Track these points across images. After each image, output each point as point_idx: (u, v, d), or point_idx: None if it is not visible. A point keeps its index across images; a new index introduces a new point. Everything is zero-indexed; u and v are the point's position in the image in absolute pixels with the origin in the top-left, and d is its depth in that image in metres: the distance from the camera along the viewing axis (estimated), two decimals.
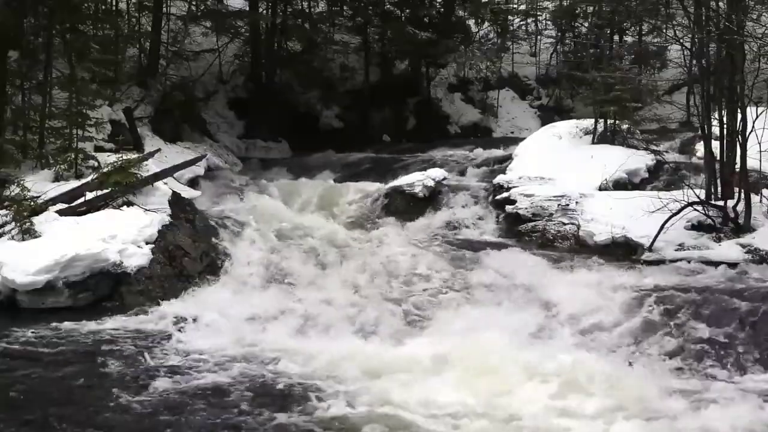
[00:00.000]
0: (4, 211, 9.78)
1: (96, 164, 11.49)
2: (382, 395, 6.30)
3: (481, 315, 8.28)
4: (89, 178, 11.02)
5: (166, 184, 11.68)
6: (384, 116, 21.90)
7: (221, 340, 7.54)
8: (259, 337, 7.60)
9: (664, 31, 20.21)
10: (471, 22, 24.33)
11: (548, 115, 21.94)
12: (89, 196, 10.50)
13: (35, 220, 9.62)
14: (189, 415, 5.96)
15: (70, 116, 12.17)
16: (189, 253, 10.03)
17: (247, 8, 20.96)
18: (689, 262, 9.60)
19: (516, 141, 16.44)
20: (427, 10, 22.87)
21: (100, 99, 13.43)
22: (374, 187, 13.77)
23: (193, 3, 19.98)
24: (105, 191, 10.53)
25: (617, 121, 14.31)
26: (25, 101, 12.87)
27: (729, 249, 9.69)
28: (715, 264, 9.42)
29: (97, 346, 7.47)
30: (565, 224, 11.19)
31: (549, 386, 6.43)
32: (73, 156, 11.67)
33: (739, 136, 10.32)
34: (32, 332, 7.76)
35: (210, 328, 7.94)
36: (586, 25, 22.36)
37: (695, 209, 10.26)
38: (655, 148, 13.96)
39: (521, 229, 11.56)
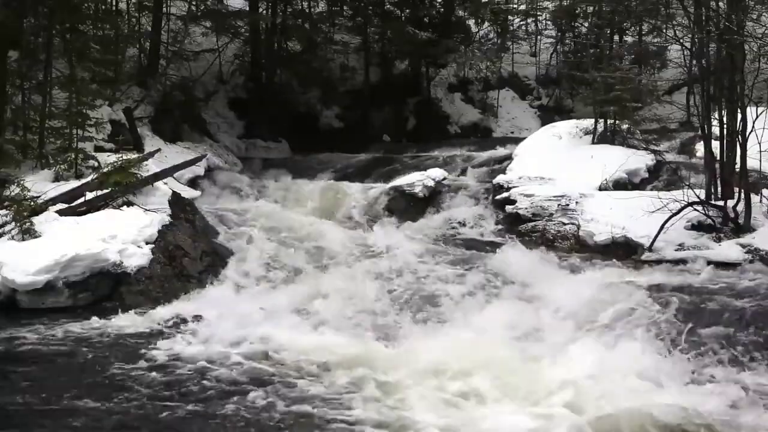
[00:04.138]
0: (4, 211, 9.78)
1: (96, 164, 11.50)
2: (380, 394, 6.30)
3: (481, 314, 8.27)
4: (89, 178, 11.03)
5: (166, 184, 11.69)
6: (384, 116, 21.89)
7: (221, 340, 7.53)
8: (260, 336, 7.59)
9: (664, 31, 20.20)
10: (471, 22, 24.33)
11: (548, 115, 21.94)
12: (89, 196, 10.50)
13: (35, 220, 9.62)
14: (189, 415, 5.96)
15: (70, 116, 12.18)
16: (189, 253, 10.03)
17: (247, 8, 20.96)
18: (689, 262, 9.60)
19: (516, 141, 16.44)
20: (427, 10, 22.88)
21: (100, 99, 13.44)
22: (374, 187, 13.77)
23: (193, 3, 19.95)
24: (105, 191, 10.53)
25: (617, 121, 14.31)
26: (25, 101, 12.87)
27: (729, 249, 9.69)
28: (715, 264, 9.43)
29: (97, 346, 7.46)
30: (565, 224, 11.19)
31: (547, 385, 6.42)
32: (73, 156, 11.67)
33: (739, 136, 10.32)
34: (32, 332, 7.75)
35: (210, 328, 7.93)
36: (586, 25, 22.36)
37: (695, 209, 10.27)
38: (655, 148, 13.96)
39: (521, 229, 11.56)
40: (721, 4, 10.87)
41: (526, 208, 11.77)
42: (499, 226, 12.09)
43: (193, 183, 13.93)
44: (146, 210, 10.36)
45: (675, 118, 18.09)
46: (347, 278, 9.56)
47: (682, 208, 10.18)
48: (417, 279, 9.52)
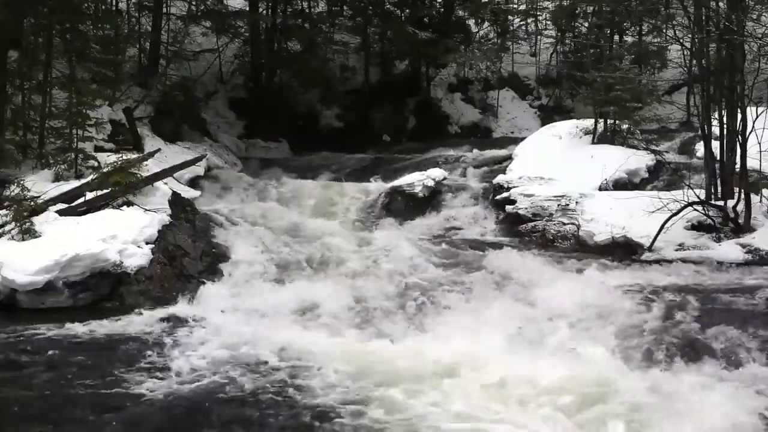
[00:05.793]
0: (4, 211, 9.78)
1: (96, 164, 11.49)
2: (380, 395, 6.30)
3: (481, 315, 8.27)
4: (89, 178, 11.03)
5: (166, 184, 11.68)
6: (384, 116, 21.89)
7: (221, 340, 7.52)
8: (260, 337, 7.58)
9: (664, 31, 20.21)
10: (471, 22, 24.33)
11: (548, 115, 21.94)
12: (89, 196, 10.50)
13: (35, 220, 9.62)
14: (188, 416, 5.96)
15: (70, 116, 12.19)
16: (189, 253, 10.03)
17: (247, 8, 20.97)
18: (689, 262, 9.60)
19: (516, 141, 16.44)
20: (427, 10, 22.89)
21: (100, 99, 13.44)
22: (374, 187, 13.77)
23: (193, 3, 19.98)
24: (105, 191, 10.53)
25: (617, 121, 14.31)
26: (25, 101, 12.87)
27: (729, 249, 9.69)
28: (715, 264, 9.42)
29: (97, 346, 7.46)
30: (565, 224, 11.19)
31: (545, 386, 6.41)
32: (73, 156, 11.68)
33: (739, 136, 10.32)
34: (32, 332, 7.75)
35: (210, 328, 7.93)
36: (586, 25, 22.35)
37: (695, 209, 10.27)
38: (655, 148, 13.97)
39: (521, 229, 11.57)
40: (721, 4, 10.87)
41: (526, 208, 11.77)
42: (499, 226, 12.09)
43: (193, 183, 13.92)
44: (146, 210, 10.35)
45: (675, 118, 18.11)
46: (347, 278, 9.56)
47: (682, 208, 10.17)
48: (417, 279, 9.52)
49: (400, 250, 10.48)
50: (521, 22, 25.84)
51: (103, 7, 17.36)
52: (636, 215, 10.40)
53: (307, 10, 23.71)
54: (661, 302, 8.03)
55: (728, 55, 10.53)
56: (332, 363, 6.87)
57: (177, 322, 8.22)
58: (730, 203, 10.26)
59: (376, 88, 22.18)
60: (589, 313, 7.99)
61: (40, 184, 10.72)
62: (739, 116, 10.32)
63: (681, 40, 12.77)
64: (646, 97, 15.15)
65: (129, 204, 10.49)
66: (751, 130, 10.12)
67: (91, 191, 10.57)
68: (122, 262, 9.08)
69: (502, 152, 15.84)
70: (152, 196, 10.99)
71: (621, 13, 18.34)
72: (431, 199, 13.06)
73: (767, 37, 10.76)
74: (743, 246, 9.68)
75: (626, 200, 10.75)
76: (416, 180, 13.24)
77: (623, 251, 10.25)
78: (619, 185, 12.46)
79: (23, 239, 9.34)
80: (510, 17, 24.87)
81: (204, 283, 9.58)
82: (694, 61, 12.41)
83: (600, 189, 12.20)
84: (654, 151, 13.70)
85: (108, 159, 11.23)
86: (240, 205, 12.92)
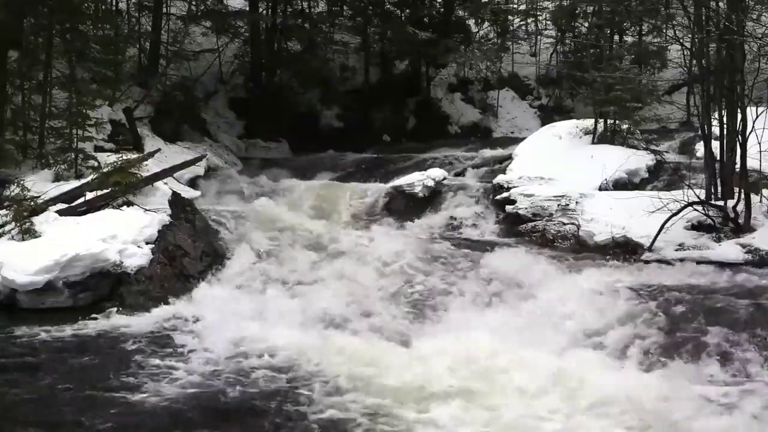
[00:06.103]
0: (4, 211, 9.78)
1: (96, 164, 11.50)
2: (379, 396, 6.30)
3: (481, 315, 8.27)
4: (89, 178, 11.03)
5: (166, 184, 11.69)
6: (384, 116, 21.90)
7: (221, 341, 7.52)
8: (259, 337, 7.58)
9: (664, 31, 20.21)
10: (471, 22, 24.34)
11: (548, 115, 21.94)
12: (89, 196, 10.50)
13: (35, 220, 9.62)
14: (185, 419, 5.95)
15: (70, 116, 12.19)
16: (189, 253, 10.03)
17: (247, 8, 20.98)
18: (689, 262, 9.59)
19: (516, 141, 16.44)
20: (427, 10, 22.90)
21: (100, 99, 13.44)
22: (374, 187, 13.77)
23: (193, 3, 19.99)
24: (105, 191, 10.53)
25: (617, 121, 14.31)
26: (25, 101, 12.87)
27: (729, 249, 9.69)
28: (715, 264, 9.42)
29: (96, 346, 7.47)
30: (565, 224, 11.18)
31: (545, 386, 6.41)
32: (73, 156, 11.69)
33: (739, 136, 10.32)
34: (32, 332, 7.75)
35: (210, 328, 7.93)
36: (586, 25, 22.35)
37: (695, 209, 10.26)
38: (655, 148, 13.97)
39: (521, 229, 11.56)
40: (721, 4, 10.86)
41: (526, 208, 11.77)
42: (499, 226, 12.08)
43: (193, 183, 13.93)
44: (146, 210, 10.35)
45: (675, 118, 18.10)
46: (347, 278, 9.55)
47: (682, 208, 10.17)
48: (417, 279, 9.52)
49: (400, 250, 10.47)
50: (521, 22, 25.84)
51: (103, 7, 17.38)
52: (636, 215, 10.39)
53: (307, 10, 23.72)
54: (660, 302, 8.02)
55: (728, 55, 10.52)
56: (333, 368, 6.85)
57: (176, 322, 8.22)
58: (730, 203, 10.25)
59: (376, 88, 22.19)
60: (590, 314, 7.99)
61: (40, 184, 10.73)
62: (739, 116, 10.31)
63: (681, 40, 12.75)
64: (646, 97, 15.15)
65: (129, 204, 10.50)
66: (751, 130, 10.11)
67: (91, 191, 10.58)
68: (122, 262, 9.08)
69: (502, 152, 15.85)
70: (152, 196, 11.00)
71: (621, 13, 18.33)
72: (431, 199, 13.05)
73: (767, 37, 10.75)
74: (743, 246, 9.68)
75: (626, 200, 10.74)
76: (416, 180, 13.24)
77: (623, 251, 10.24)
78: (619, 185, 12.46)
79: (23, 239, 9.34)
80: (510, 17, 24.87)
81: (204, 283, 9.59)
82: (694, 61, 12.40)
83: (600, 189, 12.20)
84: (654, 151, 13.70)
85: (108, 159, 11.23)
86: (240, 206, 12.92)
